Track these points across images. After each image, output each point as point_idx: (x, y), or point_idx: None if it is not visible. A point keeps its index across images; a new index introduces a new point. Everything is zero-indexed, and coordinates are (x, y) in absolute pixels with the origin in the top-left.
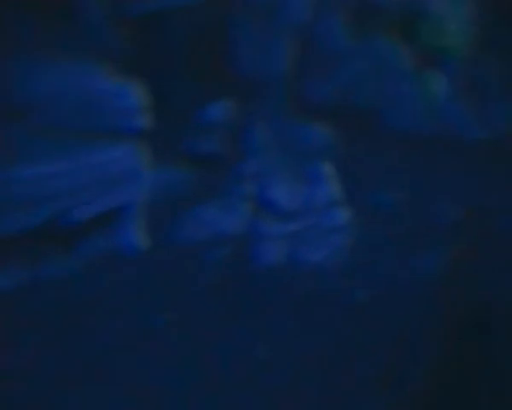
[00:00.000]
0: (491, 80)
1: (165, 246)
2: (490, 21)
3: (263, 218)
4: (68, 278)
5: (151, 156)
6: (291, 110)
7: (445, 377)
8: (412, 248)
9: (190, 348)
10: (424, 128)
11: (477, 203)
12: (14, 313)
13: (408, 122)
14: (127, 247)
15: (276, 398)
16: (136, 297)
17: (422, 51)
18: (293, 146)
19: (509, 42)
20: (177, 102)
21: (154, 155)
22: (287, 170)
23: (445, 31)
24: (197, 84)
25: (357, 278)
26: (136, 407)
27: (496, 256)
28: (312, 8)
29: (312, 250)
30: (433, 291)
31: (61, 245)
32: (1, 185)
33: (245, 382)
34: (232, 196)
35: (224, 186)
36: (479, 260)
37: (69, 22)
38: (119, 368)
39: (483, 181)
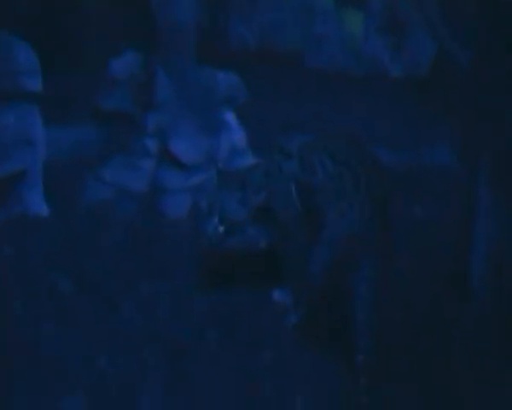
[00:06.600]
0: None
1: (68, 208)
2: None
3: (166, 172)
4: None
5: (49, 118)
6: (200, 59)
7: None
8: None
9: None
10: (343, 67)
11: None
12: None
13: (327, 62)
14: (26, 214)
15: None
16: (36, 262)
17: None
18: (197, 96)
19: None
20: (79, 58)
21: (53, 116)
22: (190, 122)
23: None
24: (100, 40)
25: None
26: None
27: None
28: None
29: None
30: None
31: None
32: None
33: None
34: (135, 152)
35: (126, 142)
36: None
37: None
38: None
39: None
